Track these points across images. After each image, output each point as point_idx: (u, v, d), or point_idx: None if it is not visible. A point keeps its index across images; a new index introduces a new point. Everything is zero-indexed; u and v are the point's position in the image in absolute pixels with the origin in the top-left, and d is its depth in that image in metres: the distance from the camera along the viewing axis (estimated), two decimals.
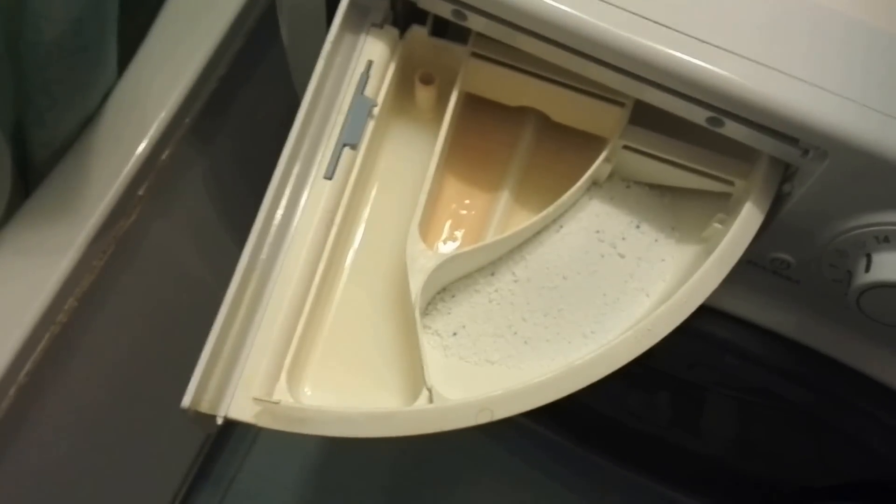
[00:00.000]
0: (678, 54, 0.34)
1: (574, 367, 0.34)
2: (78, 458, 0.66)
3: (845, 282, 0.37)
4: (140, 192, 0.55)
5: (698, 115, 0.36)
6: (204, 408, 0.32)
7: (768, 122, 0.34)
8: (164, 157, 0.56)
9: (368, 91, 0.39)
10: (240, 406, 0.32)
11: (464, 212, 0.43)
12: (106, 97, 0.55)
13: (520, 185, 0.44)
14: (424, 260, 0.37)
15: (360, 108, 0.38)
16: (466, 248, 0.37)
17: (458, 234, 0.42)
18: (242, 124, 0.67)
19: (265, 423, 0.32)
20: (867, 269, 0.35)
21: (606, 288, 0.39)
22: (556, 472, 1.00)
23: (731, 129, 0.36)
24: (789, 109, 0.32)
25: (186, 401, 0.30)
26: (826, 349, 0.43)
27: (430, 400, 0.33)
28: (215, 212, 0.70)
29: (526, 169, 0.44)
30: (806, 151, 0.34)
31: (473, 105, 0.45)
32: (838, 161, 0.33)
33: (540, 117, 0.44)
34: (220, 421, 0.32)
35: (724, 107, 0.34)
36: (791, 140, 0.34)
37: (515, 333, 0.38)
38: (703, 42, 0.34)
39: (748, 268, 0.42)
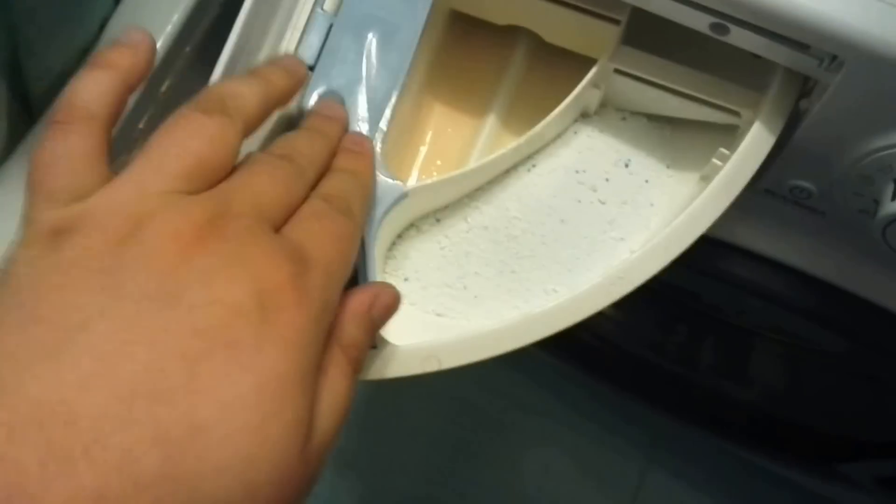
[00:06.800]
0: None
1: (533, 316, 0.30)
2: None
3: (872, 212, 0.32)
4: (140, 126, 0.53)
5: (701, 22, 0.31)
6: None
7: (772, 24, 0.28)
8: (163, 88, 0.54)
9: (327, 5, 0.35)
10: None
11: (445, 141, 0.39)
12: (102, 27, 0.53)
13: (508, 113, 0.39)
14: (386, 188, 0.33)
15: (319, 24, 0.35)
16: (428, 181, 0.34)
17: (438, 163, 0.39)
18: None
19: None
20: (894, 197, 0.30)
21: (578, 239, 0.35)
22: (604, 419, 0.97)
23: (737, 37, 0.31)
24: (795, 8, 0.27)
25: None
26: (858, 290, 0.38)
27: (374, 345, 0.30)
28: None
29: (515, 95, 0.40)
30: (822, 60, 0.29)
31: (463, 24, 0.40)
32: (857, 70, 0.28)
33: (533, 38, 0.40)
34: None
35: (724, 9, 0.29)
36: (802, 47, 0.29)
37: (465, 288, 0.35)
38: None
39: (766, 198, 0.37)
